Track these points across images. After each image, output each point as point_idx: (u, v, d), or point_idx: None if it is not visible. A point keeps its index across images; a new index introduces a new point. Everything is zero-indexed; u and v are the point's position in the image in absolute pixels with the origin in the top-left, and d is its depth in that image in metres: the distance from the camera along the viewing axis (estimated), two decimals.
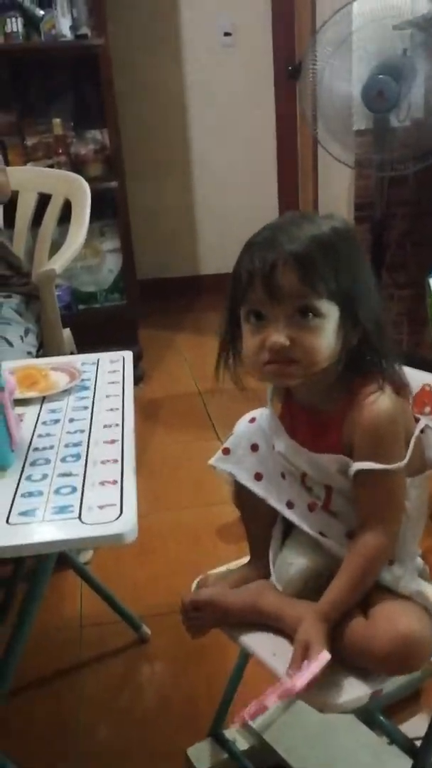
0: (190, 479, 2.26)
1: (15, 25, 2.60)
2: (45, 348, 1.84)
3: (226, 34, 3.81)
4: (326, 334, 0.90)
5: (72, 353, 2.07)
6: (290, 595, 1.02)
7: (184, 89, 3.86)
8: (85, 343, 2.24)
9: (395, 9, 2.51)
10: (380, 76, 2.40)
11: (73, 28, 2.64)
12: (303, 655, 0.90)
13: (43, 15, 2.62)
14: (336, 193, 3.07)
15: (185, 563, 1.87)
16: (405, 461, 0.93)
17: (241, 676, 1.30)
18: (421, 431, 0.98)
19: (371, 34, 2.53)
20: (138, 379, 2.99)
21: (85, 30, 2.65)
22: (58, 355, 1.84)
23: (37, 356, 1.79)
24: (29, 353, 1.73)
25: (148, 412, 2.78)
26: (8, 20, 2.59)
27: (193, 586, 1.12)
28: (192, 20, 3.75)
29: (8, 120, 2.81)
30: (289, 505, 1.04)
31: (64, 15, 2.61)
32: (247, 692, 1.34)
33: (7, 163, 2.75)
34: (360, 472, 0.94)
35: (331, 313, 0.90)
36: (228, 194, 4.04)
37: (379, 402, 0.93)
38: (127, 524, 0.85)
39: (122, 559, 1.89)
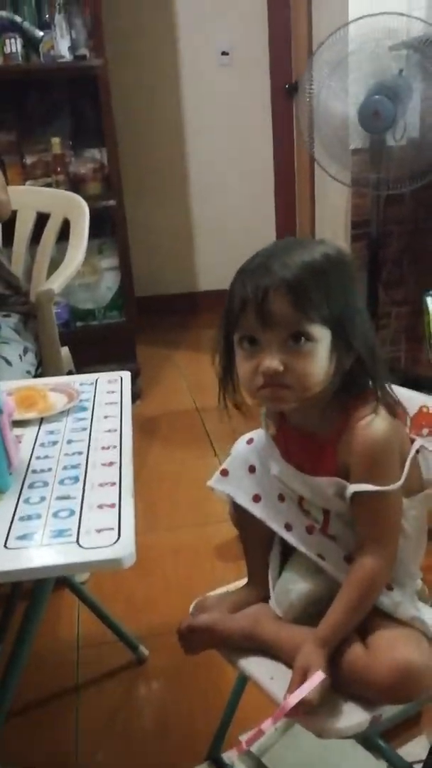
0: (188, 498, 2.26)
1: (14, 45, 2.62)
2: (44, 367, 1.85)
3: (224, 53, 3.85)
4: (319, 359, 0.91)
5: (70, 371, 2.08)
6: (290, 620, 1.02)
7: (182, 108, 3.90)
8: (83, 360, 2.25)
9: (391, 31, 2.54)
10: (376, 97, 2.43)
11: (72, 49, 2.66)
12: (301, 680, 0.90)
13: (43, 36, 2.65)
14: (333, 211, 3.09)
15: (183, 583, 1.86)
16: (401, 482, 0.94)
17: (239, 699, 1.29)
18: (417, 451, 0.98)
19: (367, 55, 2.55)
20: (135, 396, 2.99)
21: (83, 51, 2.67)
22: (57, 373, 1.84)
23: (36, 375, 1.79)
24: (28, 372, 1.73)
25: (145, 429, 2.78)
26: (8, 41, 2.61)
27: (191, 608, 1.12)
28: (190, 40, 3.79)
29: (7, 139, 2.82)
30: (288, 527, 1.04)
31: (63, 36, 2.63)
32: (246, 715, 1.33)
33: (6, 181, 2.76)
34: (356, 495, 0.94)
35: (323, 337, 0.90)
36: (225, 212, 4.07)
37: (374, 424, 0.93)
38: (125, 548, 0.85)
39: (119, 579, 1.88)
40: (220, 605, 1.09)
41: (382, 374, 0.95)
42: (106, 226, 2.86)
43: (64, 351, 2.06)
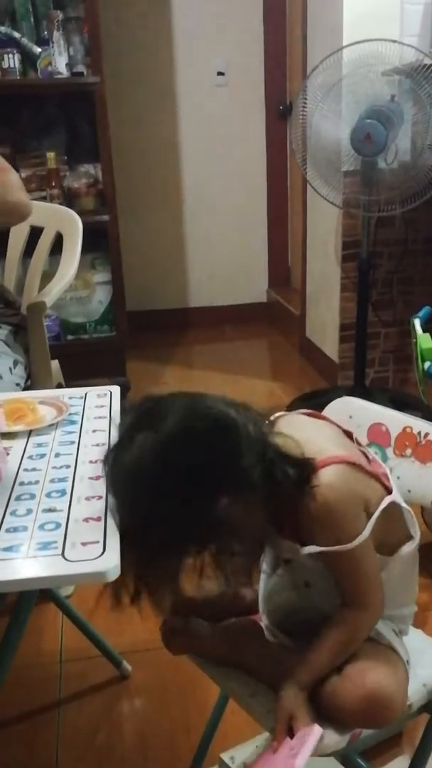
0: None
1: (12, 61, 2.65)
2: (33, 379, 1.85)
3: (219, 73, 3.89)
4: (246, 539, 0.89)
5: (60, 385, 2.08)
6: (274, 622, 1.03)
7: (177, 126, 3.93)
8: (73, 374, 2.26)
9: (384, 56, 2.58)
10: (368, 121, 2.47)
11: (69, 65, 2.69)
12: (286, 724, 0.90)
13: (41, 52, 2.68)
14: (324, 231, 3.12)
15: None
16: (361, 538, 0.91)
17: (221, 716, 1.29)
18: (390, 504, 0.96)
19: (360, 80, 2.60)
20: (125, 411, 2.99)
21: (81, 68, 2.70)
22: (47, 386, 1.85)
23: (25, 388, 1.80)
24: (17, 385, 1.73)
25: None
26: (5, 56, 2.64)
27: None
28: (186, 59, 3.84)
29: (2, 152, 2.82)
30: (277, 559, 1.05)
31: (61, 53, 2.66)
32: (227, 732, 1.34)
33: None
34: (323, 554, 0.93)
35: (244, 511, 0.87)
36: (218, 229, 4.10)
37: (318, 495, 0.89)
38: (109, 562, 0.85)
39: (105, 593, 1.87)
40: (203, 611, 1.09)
41: (277, 460, 0.88)
42: (100, 241, 2.88)
43: (54, 364, 2.07)
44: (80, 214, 2.66)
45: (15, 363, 1.77)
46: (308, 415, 1.03)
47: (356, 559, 0.93)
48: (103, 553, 0.87)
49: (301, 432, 0.95)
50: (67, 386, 1.86)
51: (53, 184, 2.81)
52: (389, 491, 0.97)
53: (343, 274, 2.94)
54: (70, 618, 1.60)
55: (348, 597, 0.96)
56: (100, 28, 2.69)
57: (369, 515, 0.94)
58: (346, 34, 2.75)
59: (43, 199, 2.79)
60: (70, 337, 2.99)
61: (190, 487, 0.83)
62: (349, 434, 1.02)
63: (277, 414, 1.00)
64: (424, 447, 1.07)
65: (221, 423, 0.86)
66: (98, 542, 0.89)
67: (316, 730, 0.89)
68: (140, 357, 3.57)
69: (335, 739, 0.91)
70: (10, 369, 1.73)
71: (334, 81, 2.60)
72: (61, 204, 2.71)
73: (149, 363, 3.63)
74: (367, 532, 0.92)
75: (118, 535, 0.90)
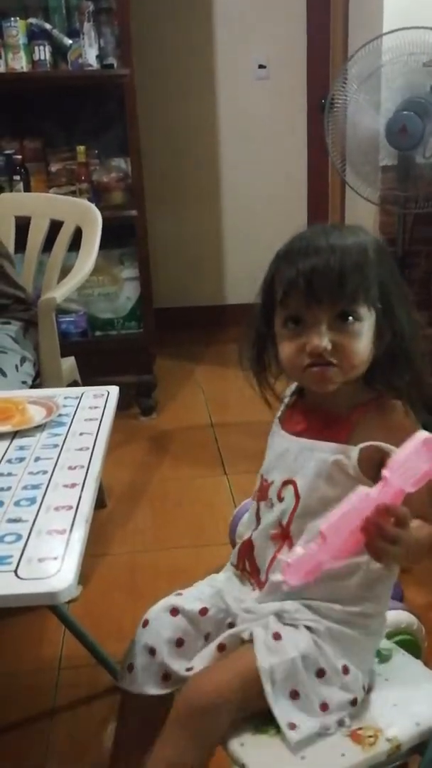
0: (189, 517, 2.20)
1: (43, 53, 2.61)
2: (42, 377, 1.81)
3: (261, 66, 3.80)
4: (364, 338, 0.91)
5: (76, 382, 2.04)
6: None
7: (216, 120, 3.86)
8: (100, 371, 2.23)
9: (426, 45, 2.47)
10: (405, 112, 2.35)
11: (100, 57, 2.65)
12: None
13: (71, 44, 2.64)
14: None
15: None
16: None
17: None
18: None
19: (399, 69, 2.49)
20: (150, 410, 2.95)
21: (111, 60, 2.66)
22: (57, 384, 1.81)
23: (34, 386, 1.76)
24: (23, 383, 1.70)
25: (157, 444, 2.73)
26: (36, 48, 2.61)
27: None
28: (226, 52, 3.76)
29: (33, 146, 2.82)
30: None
31: (91, 45, 2.62)
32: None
33: (29, 188, 2.76)
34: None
35: (368, 318, 0.91)
36: (258, 225, 4.01)
37: (404, 412, 0.94)
38: (63, 582, 0.79)
39: (110, 600, 1.83)
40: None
41: (419, 364, 0.94)
42: (129, 236, 2.83)
43: (70, 361, 2.03)
44: (109, 208, 2.65)
45: (23, 360, 1.73)
46: None
47: None
48: (58, 571, 0.81)
49: None
50: (92, 384, 1.80)
51: (82, 177, 2.77)
52: None
53: None
54: (66, 625, 1.55)
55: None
56: (130, 19, 2.64)
57: None
58: (386, 21, 2.63)
59: (72, 193, 2.75)
60: (98, 333, 2.94)
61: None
62: None
63: None
64: None
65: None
66: (56, 558, 0.83)
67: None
68: (171, 355, 3.51)
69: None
70: (17, 366, 1.69)
71: (372, 70, 2.49)
72: (89, 199, 2.66)
73: (181, 361, 3.58)
74: None
75: (78, 549, 0.84)
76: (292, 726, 0.89)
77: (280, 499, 0.99)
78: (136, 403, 2.95)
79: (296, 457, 0.97)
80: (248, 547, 1.05)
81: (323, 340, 0.89)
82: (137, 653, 1.03)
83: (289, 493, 0.98)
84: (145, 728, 1.02)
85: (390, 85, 2.46)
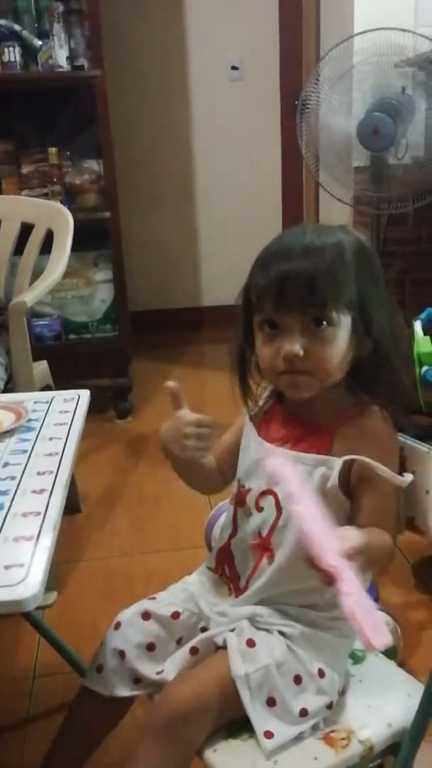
0: (167, 520, 2.19)
1: (13, 54, 2.59)
2: (14, 382, 1.79)
3: (234, 68, 3.80)
4: (338, 344, 0.90)
5: (48, 386, 2.03)
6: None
7: (190, 121, 3.86)
8: (75, 374, 2.21)
9: (397, 47, 2.48)
10: (376, 114, 2.36)
11: (70, 59, 2.63)
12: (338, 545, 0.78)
13: (41, 45, 2.62)
14: None
15: None
16: (407, 483, 0.90)
17: None
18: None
19: (371, 70, 2.49)
20: (126, 413, 2.93)
21: (82, 61, 2.64)
22: (28, 389, 1.79)
23: (5, 390, 1.74)
24: None
25: (133, 447, 2.71)
26: (6, 49, 2.58)
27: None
28: (199, 53, 3.76)
29: (5, 148, 2.79)
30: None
31: (62, 46, 2.60)
32: None
33: (1, 191, 2.74)
34: (364, 472, 0.89)
35: (343, 323, 0.90)
36: (232, 226, 4.01)
37: (382, 418, 0.93)
38: (30, 589, 0.77)
39: (86, 604, 1.81)
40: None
41: (399, 367, 0.93)
42: (103, 239, 2.81)
43: (42, 365, 2.01)
44: (82, 210, 2.63)
45: None
46: None
47: (392, 494, 0.90)
48: (25, 578, 0.79)
49: None
50: (65, 388, 1.79)
51: (55, 180, 2.75)
52: None
53: None
54: (40, 631, 1.53)
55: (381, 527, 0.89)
56: (101, 20, 2.62)
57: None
58: (358, 22, 2.64)
59: (45, 195, 2.73)
60: (72, 336, 2.92)
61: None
62: None
63: None
64: None
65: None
66: (23, 565, 0.82)
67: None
68: (148, 357, 3.49)
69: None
70: None
71: (344, 71, 2.50)
72: (62, 201, 2.65)
73: (157, 363, 3.56)
74: (410, 477, 0.91)
75: (46, 555, 0.83)
76: (269, 734, 0.88)
77: (259, 509, 0.98)
78: (112, 406, 2.93)
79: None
80: (227, 554, 1.04)
81: (295, 346, 0.89)
82: (107, 655, 1.03)
83: (268, 503, 0.97)
84: (95, 724, 1.05)
85: (361, 86, 2.46)
